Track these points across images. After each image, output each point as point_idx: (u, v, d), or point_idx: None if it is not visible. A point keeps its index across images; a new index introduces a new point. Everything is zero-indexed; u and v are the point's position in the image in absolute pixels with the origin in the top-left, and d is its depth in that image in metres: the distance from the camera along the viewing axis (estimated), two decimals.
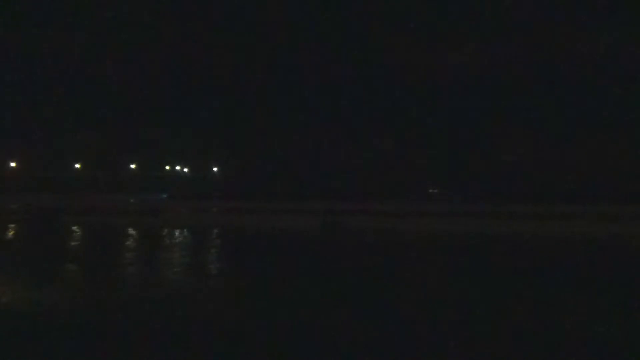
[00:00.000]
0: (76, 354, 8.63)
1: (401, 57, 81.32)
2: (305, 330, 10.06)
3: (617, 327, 10.30)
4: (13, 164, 79.90)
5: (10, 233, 27.82)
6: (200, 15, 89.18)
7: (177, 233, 27.83)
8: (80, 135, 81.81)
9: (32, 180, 73.82)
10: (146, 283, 14.33)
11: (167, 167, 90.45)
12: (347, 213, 36.15)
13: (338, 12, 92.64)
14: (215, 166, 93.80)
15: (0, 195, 60.31)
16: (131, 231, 28.44)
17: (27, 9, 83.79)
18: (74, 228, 29.88)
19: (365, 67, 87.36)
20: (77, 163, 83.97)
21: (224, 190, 71.16)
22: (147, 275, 15.66)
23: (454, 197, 67.19)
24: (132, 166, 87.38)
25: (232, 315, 10.96)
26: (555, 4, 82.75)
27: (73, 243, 24.41)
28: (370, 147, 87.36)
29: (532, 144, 76.46)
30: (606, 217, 34.63)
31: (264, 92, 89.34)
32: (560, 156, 75.43)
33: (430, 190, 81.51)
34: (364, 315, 11.05)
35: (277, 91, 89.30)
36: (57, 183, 74.11)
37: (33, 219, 36.48)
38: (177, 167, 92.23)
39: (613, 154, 72.28)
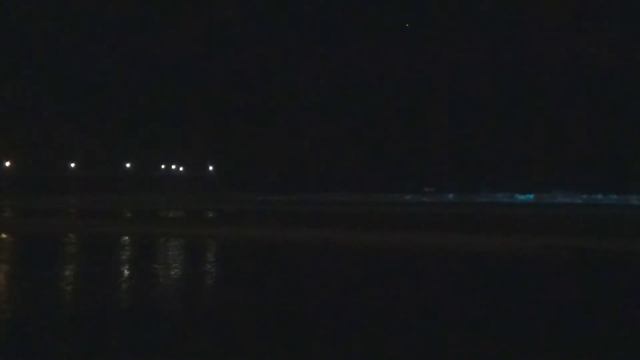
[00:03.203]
0: None
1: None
2: None
3: None
4: (7, 164, 79.67)
5: None
6: (197, 15, 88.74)
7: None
8: (76, 134, 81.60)
9: (25, 180, 73.52)
10: None
11: (163, 166, 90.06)
12: None
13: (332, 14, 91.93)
14: (210, 165, 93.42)
15: None
16: None
17: (24, 8, 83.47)
18: None
19: (361, 67, 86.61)
20: (72, 163, 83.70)
21: None
22: None
23: None
24: (128, 165, 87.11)
25: None
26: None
27: None
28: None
29: None
30: None
31: (260, 92, 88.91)
32: None
33: (426, 189, 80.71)
34: None
35: (274, 91, 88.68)
36: (51, 183, 73.78)
37: None
38: (173, 167, 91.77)
39: None
